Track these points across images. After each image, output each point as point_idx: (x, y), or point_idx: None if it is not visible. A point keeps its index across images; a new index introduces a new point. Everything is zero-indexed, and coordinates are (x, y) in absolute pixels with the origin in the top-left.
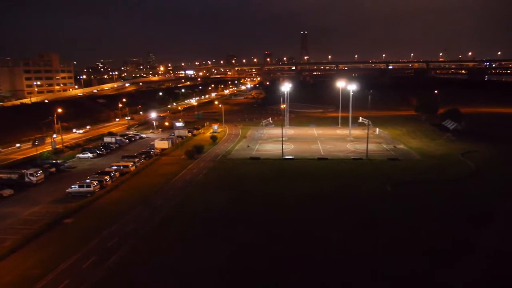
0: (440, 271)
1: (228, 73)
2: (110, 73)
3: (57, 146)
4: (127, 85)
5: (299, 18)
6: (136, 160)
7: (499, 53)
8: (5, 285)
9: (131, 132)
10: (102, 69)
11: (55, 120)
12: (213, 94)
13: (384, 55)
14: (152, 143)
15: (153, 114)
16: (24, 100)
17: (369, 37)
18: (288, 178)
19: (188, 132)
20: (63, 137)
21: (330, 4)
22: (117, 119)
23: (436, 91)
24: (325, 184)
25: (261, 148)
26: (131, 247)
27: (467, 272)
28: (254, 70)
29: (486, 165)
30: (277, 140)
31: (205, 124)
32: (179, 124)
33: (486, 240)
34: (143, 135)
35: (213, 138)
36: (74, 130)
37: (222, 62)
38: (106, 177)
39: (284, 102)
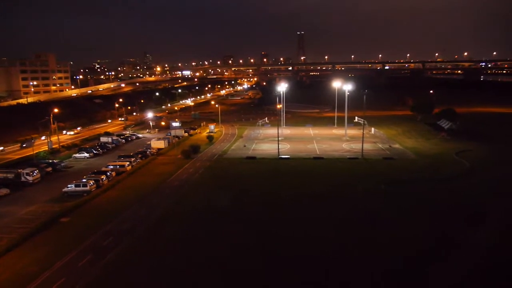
0: (434, 269)
1: (225, 73)
2: (107, 73)
3: (53, 146)
4: (123, 85)
5: (296, 18)
6: (133, 159)
7: (494, 53)
8: (1, 283)
9: (128, 132)
10: (98, 70)
11: (51, 120)
12: (208, 95)
13: (380, 56)
14: (149, 143)
15: (150, 114)
16: (20, 100)
17: (366, 37)
18: (284, 177)
19: (185, 132)
20: (51, 139)
21: (327, 4)
22: (109, 120)
23: (431, 91)
24: (321, 183)
25: (258, 148)
26: (127, 245)
27: (459, 268)
28: (251, 70)
29: (480, 164)
30: (273, 140)
31: (202, 124)
32: (175, 124)
33: (478, 238)
34: (140, 135)
35: (210, 138)
36: (64, 132)
37: (219, 62)
38: (102, 177)
39: (280, 102)
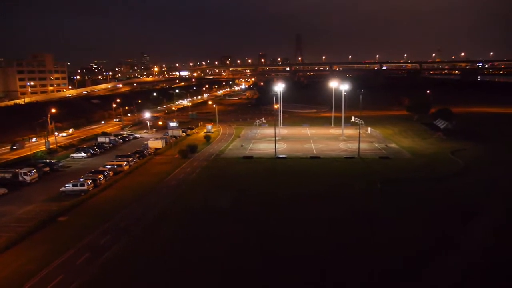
0: (431, 266)
1: (223, 73)
2: (104, 73)
3: (51, 146)
4: (120, 86)
5: (293, 19)
6: (130, 159)
7: (491, 53)
8: (0, 281)
9: (125, 132)
10: (96, 70)
11: (48, 120)
12: (205, 95)
13: (378, 56)
14: (146, 142)
15: (147, 115)
16: (17, 101)
17: (365, 38)
18: (281, 176)
19: (182, 132)
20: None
21: (327, 5)
22: (102, 122)
23: (428, 91)
24: (318, 183)
25: (255, 148)
26: (125, 244)
27: (454, 266)
28: (248, 70)
29: (475, 163)
30: (271, 140)
31: (199, 124)
32: (173, 124)
33: (472, 236)
34: (137, 135)
35: (207, 138)
36: (56, 134)
37: (216, 62)
38: (100, 176)
39: (277, 102)
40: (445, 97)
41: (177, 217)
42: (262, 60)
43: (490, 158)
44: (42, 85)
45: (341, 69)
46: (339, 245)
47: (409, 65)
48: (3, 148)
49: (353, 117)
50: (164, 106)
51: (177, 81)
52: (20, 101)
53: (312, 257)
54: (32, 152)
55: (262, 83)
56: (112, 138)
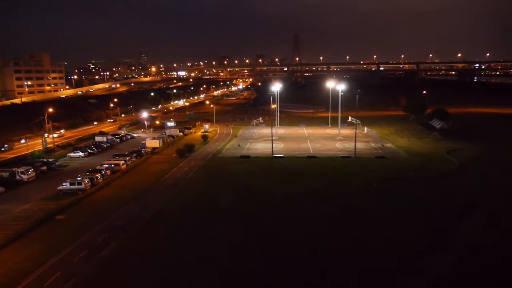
0: (427, 265)
1: (220, 74)
2: (102, 73)
3: (48, 145)
4: (117, 85)
5: (293, 19)
6: (127, 158)
7: (487, 54)
8: None
9: (123, 132)
10: (93, 70)
11: (45, 120)
12: (201, 96)
13: (375, 57)
14: (144, 142)
15: (145, 114)
16: (14, 100)
17: (362, 38)
18: (278, 176)
19: (180, 131)
20: (28, 143)
21: (325, 5)
22: (95, 123)
23: (424, 92)
24: (314, 182)
25: (252, 147)
26: (122, 242)
27: (449, 264)
28: (246, 71)
29: (470, 163)
30: (268, 139)
31: (197, 124)
32: (170, 123)
33: (467, 235)
34: (135, 135)
35: (204, 138)
36: (45, 135)
37: (214, 63)
38: (97, 175)
39: (275, 102)
40: (442, 97)
41: (174, 216)
42: (260, 60)
43: (486, 158)
44: (39, 84)
45: (338, 69)
46: (337, 244)
47: (407, 65)
48: None
49: (349, 117)
50: (161, 106)
51: (175, 81)
52: (17, 100)
53: (311, 256)
54: (29, 151)
55: (259, 84)
56: (109, 137)
